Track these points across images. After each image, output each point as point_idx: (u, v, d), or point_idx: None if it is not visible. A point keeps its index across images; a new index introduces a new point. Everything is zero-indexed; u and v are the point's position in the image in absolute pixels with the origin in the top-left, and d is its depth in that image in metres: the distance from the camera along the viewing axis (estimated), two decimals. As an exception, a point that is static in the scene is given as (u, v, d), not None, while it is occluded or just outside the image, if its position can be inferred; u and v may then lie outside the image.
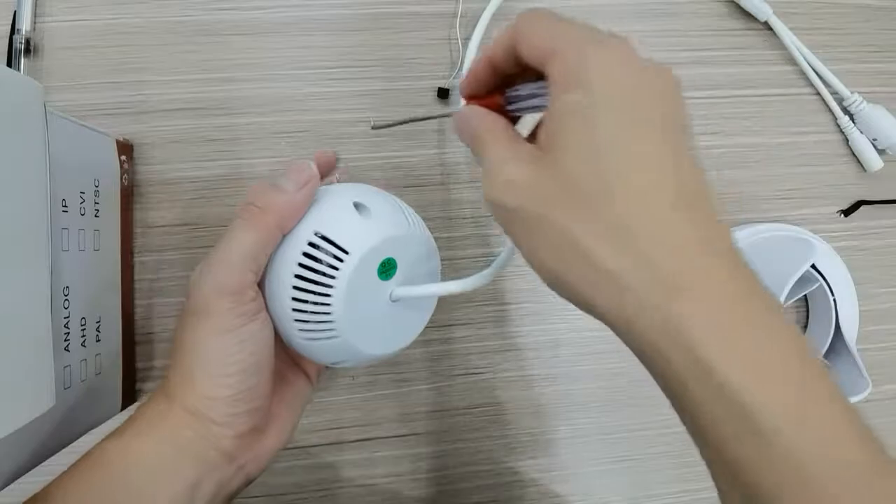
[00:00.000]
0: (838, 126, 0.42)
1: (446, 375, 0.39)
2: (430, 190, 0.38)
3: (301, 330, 0.25)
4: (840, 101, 0.42)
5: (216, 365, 0.24)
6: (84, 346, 0.29)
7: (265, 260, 0.25)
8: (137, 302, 0.36)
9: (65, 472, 0.23)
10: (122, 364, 0.34)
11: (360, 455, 0.38)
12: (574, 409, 0.40)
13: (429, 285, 0.27)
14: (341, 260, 0.25)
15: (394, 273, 0.26)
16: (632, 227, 0.18)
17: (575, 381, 0.40)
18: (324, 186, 0.27)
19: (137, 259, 0.36)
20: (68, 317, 0.28)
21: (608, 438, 0.40)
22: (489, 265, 0.27)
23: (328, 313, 0.25)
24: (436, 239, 0.38)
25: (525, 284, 0.39)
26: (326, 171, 0.28)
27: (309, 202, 0.25)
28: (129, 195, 0.35)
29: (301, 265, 0.25)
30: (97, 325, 0.31)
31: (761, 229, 0.39)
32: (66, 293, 0.27)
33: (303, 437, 0.38)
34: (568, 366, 0.40)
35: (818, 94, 0.42)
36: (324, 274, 0.25)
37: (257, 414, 0.26)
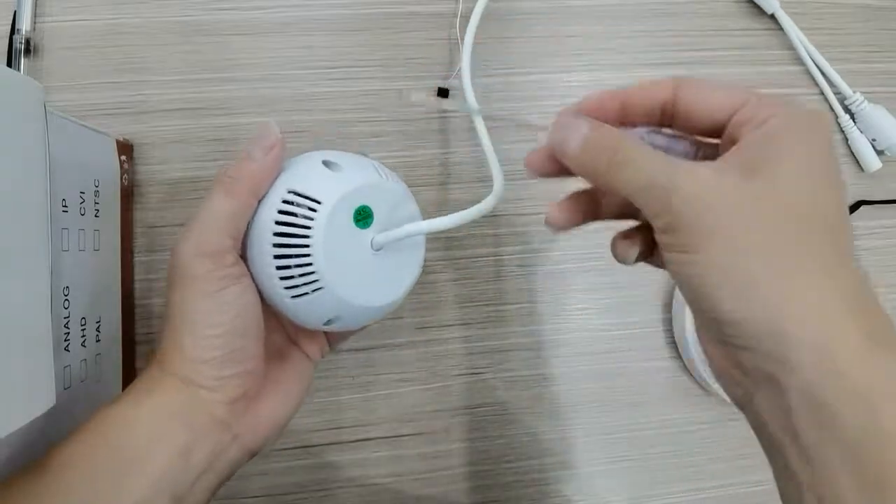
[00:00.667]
0: (839, 125, 0.42)
1: (446, 375, 0.39)
2: (431, 190, 0.38)
3: (286, 288, 0.26)
4: (842, 99, 0.42)
5: (201, 326, 0.25)
6: (84, 346, 0.29)
7: (243, 226, 0.26)
8: (137, 302, 0.36)
9: (64, 440, 0.24)
10: (122, 364, 0.34)
11: (360, 455, 0.38)
12: (574, 409, 0.40)
13: (407, 225, 0.27)
14: (315, 210, 0.25)
15: (371, 222, 0.27)
16: (836, 283, 0.18)
17: (575, 381, 0.40)
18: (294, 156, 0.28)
19: (137, 259, 0.36)
20: (68, 317, 0.28)
21: (608, 438, 0.40)
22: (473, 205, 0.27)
23: (309, 263, 0.25)
24: (435, 239, 0.38)
25: (525, 284, 0.39)
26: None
27: (278, 164, 0.26)
28: (129, 195, 0.35)
29: (278, 223, 0.25)
30: (97, 325, 0.31)
31: None
32: (66, 293, 0.27)
33: (303, 437, 0.38)
34: (568, 366, 0.40)
35: (821, 92, 0.42)
36: (300, 226, 0.25)
37: (248, 379, 0.26)
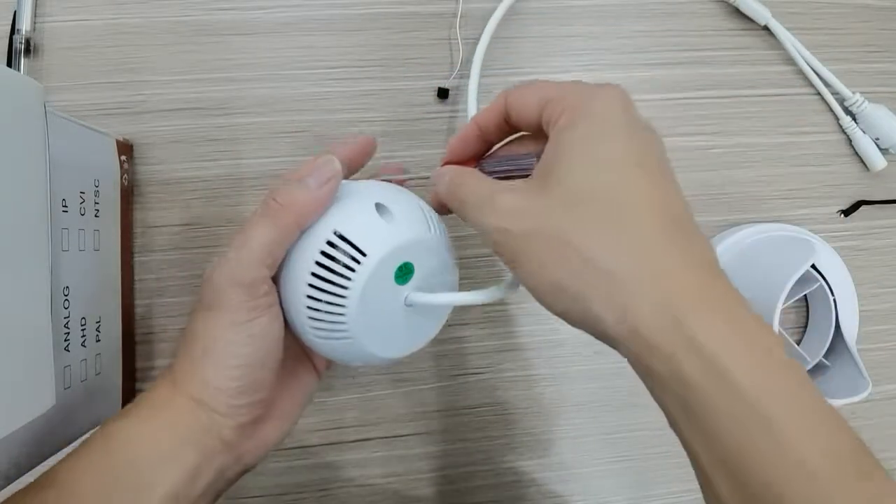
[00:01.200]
0: (840, 126, 0.42)
1: (446, 375, 0.39)
2: (431, 190, 0.38)
3: (314, 328, 0.25)
4: (841, 101, 0.42)
5: (224, 357, 0.24)
6: (84, 346, 0.29)
7: (281, 255, 0.25)
8: (137, 302, 0.36)
9: (71, 454, 0.24)
10: (122, 364, 0.34)
11: (360, 455, 0.38)
12: (574, 409, 0.40)
13: (444, 294, 0.27)
14: (358, 262, 0.24)
15: (410, 277, 0.26)
16: (632, 233, 0.20)
17: (575, 381, 0.40)
18: (348, 182, 0.27)
19: (137, 259, 0.36)
20: (68, 317, 0.28)
21: (608, 438, 0.40)
22: (504, 278, 0.27)
23: (342, 314, 0.25)
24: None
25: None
26: (362, 159, 0.29)
27: (330, 200, 0.25)
28: (129, 195, 0.35)
29: (318, 263, 0.25)
30: (97, 325, 0.31)
31: (761, 229, 0.39)
32: (66, 293, 0.27)
33: (303, 437, 0.38)
34: (568, 366, 0.40)
35: (818, 93, 0.42)
36: (340, 275, 0.24)
37: (260, 405, 0.26)
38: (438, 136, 0.39)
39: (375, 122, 0.38)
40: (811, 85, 0.42)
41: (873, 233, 0.42)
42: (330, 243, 0.25)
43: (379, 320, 0.26)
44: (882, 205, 0.42)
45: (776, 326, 0.35)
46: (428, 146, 0.39)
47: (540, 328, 0.40)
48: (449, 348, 0.39)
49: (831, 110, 0.42)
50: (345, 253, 0.24)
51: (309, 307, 0.25)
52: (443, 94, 0.38)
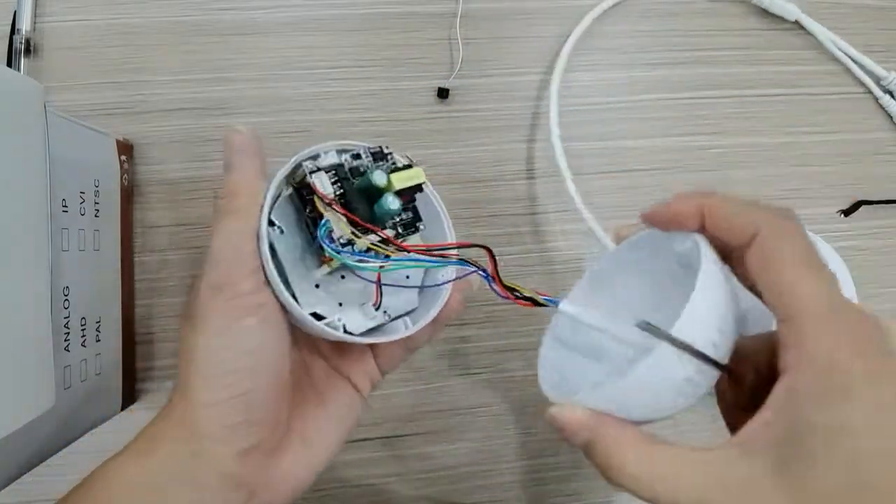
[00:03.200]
0: (881, 106, 0.42)
1: (446, 375, 0.39)
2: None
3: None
4: (877, 81, 0.42)
5: (207, 366, 0.22)
6: (84, 346, 0.29)
7: (253, 245, 0.23)
8: (137, 302, 0.36)
9: (72, 492, 0.22)
10: (122, 364, 0.34)
11: (360, 455, 0.38)
12: (574, 409, 0.40)
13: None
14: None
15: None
16: None
17: (575, 381, 0.40)
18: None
19: (137, 259, 0.36)
20: (68, 317, 0.28)
21: (608, 438, 0.40)
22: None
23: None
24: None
25: (525, 284, 0.39)
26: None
27: (257, 158, 0.24)
28: (129, 195, 0.35)
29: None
30: (97, 325, 0.31)
31: None
32: (66, 293, 0.27)
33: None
34: (568, 366, 0.40)
35: (848, 72, 0.42)
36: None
37: (262, 429, 0.23)
38: (438, 136, 0.39)
39: (375, 122, 0.38)
40: (811, 85, 0.42)
41: (873, 233, 0.42)
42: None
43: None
44: (882, 205, 0.42)
45: (775, 328, 0.35)
46: (428, 146, 0.38)
47: (540, 328, 0.39)
48: (449, 348, 0.39)
49: (870, 92, 0.42)
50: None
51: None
52: (443, 94, 0.38)
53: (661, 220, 0.22)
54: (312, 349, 0.27)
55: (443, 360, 0.39)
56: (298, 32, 0.38)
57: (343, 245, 0.22)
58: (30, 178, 0.23)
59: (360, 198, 0.23)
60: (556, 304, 0.23)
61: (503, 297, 0.23)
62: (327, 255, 0.23)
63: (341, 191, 0.23)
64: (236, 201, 0.23)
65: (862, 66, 0.42)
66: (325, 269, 0.24)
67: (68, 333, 0.28)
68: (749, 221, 0.19)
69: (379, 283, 0.25)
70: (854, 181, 0.42)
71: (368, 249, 0.23)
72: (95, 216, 0.30)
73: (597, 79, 0.40)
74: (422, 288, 0.27)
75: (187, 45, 0.37)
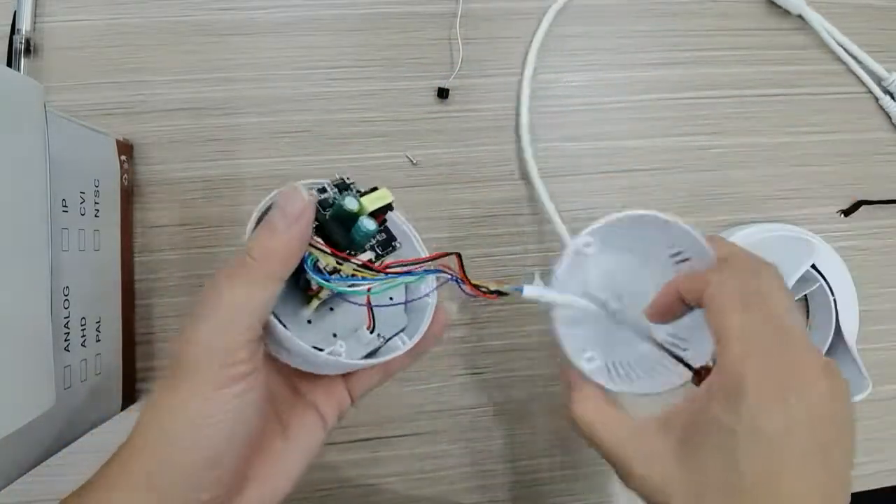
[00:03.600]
0: (881, 107, 0.42)
1: (446, 375, 0.39)
2: (431, 190, 0.38)
3: None
4: (878, 81, 0.42)
5: (183, 427, 0.21)
6: (84, 346, 0.29)
7: (267, 315, 0.22)
8: (137, 302, 0.36)
9: None
10: (122, 364, 0.34)
11: (360, 455, 0.38)
12: (574, 409, 0.40)
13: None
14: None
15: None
16: None
17: (575, 381, 0.40)
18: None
19: (137, 259, 0.36)
20: (68, 317, 0.28)
21: (608, 438, 0.40)
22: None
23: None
24: (435, 239, 0.38)
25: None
26: None
27: (307, 235, 0.22)
28: (129, 195, 0.35)
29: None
30: (97, 325, 0.31)
31: (762, 229, 0.39)
32: (66, 293, 0.27)
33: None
34: (568, 366, 0.40)
35: (850, 71, 0.42)
36: None
37: (223, 485, 0.22)
38: (438, 136, 0.39)
39: (375, 122, 0.38)
40: (811, 84, 0.42)
41: (873, 233, 0.42)
42: None
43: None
44: (882, 205, 0.42)
45: None
46: (428, 146, 0.39)
47: (540, 328, 0.40)
48: (449, 348, 0.39)
49: (870, 92, 0.42)
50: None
51: None
52: (443, 94, 0.38)
53: (661, 312, 0.26)
54: (280, 378, 0.26)
55: (443, 360, 0.39)
56: (298, 32, 0.38)
57: (330, 273, 0.23)
58: (30, 178, 0.23)
59: (336, 226, 0.23)
60: (520, 290, 0.25)
61: (473, 295, 0.25)
62: (316, 285, 0.23)
63: (317, 223, 0.23)
64: (269, 267, 0.21)
65: (863, 65, 0.42)
66: (315, 303, 0.25)
67: (68, 333, 0.28)
68: (702, 284, 0.24)
69: (370, 306, 0.25)
70: (854, 181, 0.42)
71: (354, 274, 0.23)
72: (95, 216, 0.30)
73: (596, 79, 0.40)
74: (407, 304, 0.28)
75: (187, 45, 0.37)
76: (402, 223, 0.28)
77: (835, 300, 0.39)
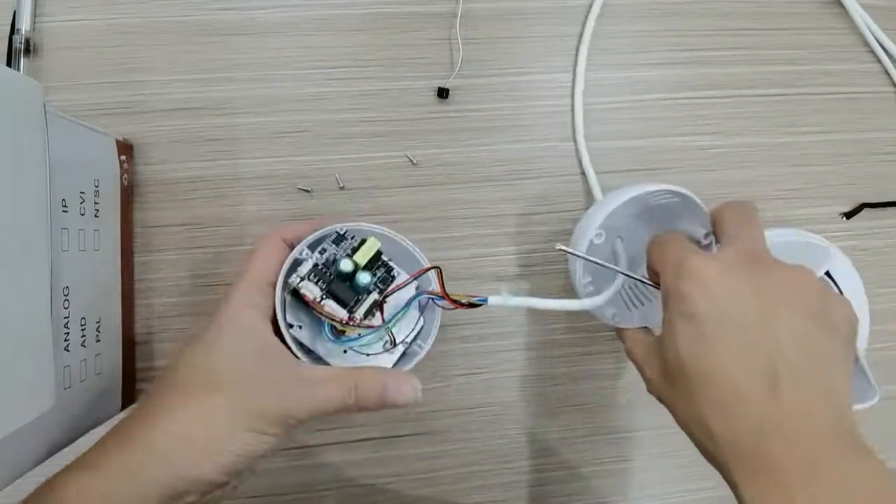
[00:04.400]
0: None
1: (446, 375, 0.39)
2: (430, 190, 0.38)
3: None
4: None
5: (176, 457, 0.24)
6: (84, 346, 0.29)
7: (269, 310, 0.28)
8: (137, 302, 0.36)
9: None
10: (122, 364, 0.34)
11: (360, 455, 0.38)
12: (574, 409, 0.40)
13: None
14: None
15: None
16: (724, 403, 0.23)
17: (575, 381, 0.40)
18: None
19: (137, 259, 0.36)
20: (68, 317, 0.28)
21: (608, 438, 0.40)
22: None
23: None
24: (434, 239, 0.38)
25: (525, 285, 0.39)
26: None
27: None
28: (129, 195, 0.35)
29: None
30: (97, 325, 0.31)
31: (778, 233, 0.39)
32: (66, 293, 0.27)
33: (303, 437, 0.38)
34: (568, 366, 0.40)
35: (877, 60, 0.42)
36: None
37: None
38: (438, 136, 0.39)
39: (375, 122, 0.38)
40: (811, 84, 0.42)
41: (874, 233, 0.42)
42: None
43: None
44: (882, 207, 0.42)
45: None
46: (428, 146, 0.39)
47: (540, 328, 0.40)
48: (449, 348, 0.39)
49: (894, 83, 0.42)
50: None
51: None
52: (443, 93, 0.38)
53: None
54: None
55: (443, 360, 0.39)
56: (298, 32, 0.38)
57: (340, 333, 0.30)
58: (30, 178, 0.23)
59: (341, 284, 0.29)
60: (484, 301, 0.29)
61: (453, 308, 0.30)
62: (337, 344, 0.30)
63: (326, 286, 0.29)
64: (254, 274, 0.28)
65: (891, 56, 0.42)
66: (348, 336, 0.30)
67: (68, 333, 0.28)
68: (656, 255, 0.29)
69: (390, 331, 0.31)
70: (854, 181, 0.42)
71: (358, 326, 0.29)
72: (95, 216, 0.30)
73: (595, 79, 0.40)
74: (409, 302, 0.31)
75: (187, 45, 0.37)
76: (401, 241, 0.31)
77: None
